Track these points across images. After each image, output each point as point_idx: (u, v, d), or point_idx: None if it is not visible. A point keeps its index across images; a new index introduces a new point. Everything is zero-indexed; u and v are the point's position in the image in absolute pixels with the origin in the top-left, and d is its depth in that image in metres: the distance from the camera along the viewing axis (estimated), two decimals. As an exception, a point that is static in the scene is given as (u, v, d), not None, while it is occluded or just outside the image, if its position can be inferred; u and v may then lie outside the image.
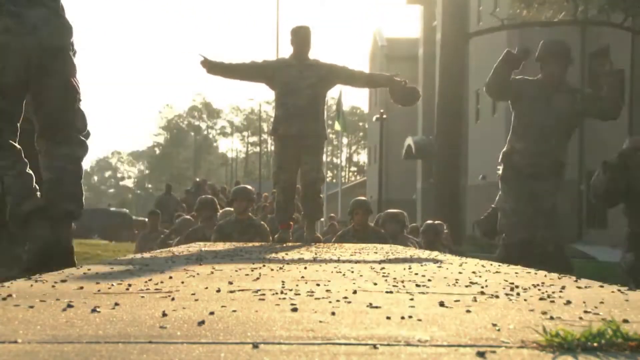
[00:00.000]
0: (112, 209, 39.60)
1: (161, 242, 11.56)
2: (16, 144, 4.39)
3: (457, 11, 22.58)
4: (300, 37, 7.56)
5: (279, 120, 7.49)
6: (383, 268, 3.87)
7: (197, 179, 24.76)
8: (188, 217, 12.28)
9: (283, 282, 3.02)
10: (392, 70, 8.56)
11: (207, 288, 2.75)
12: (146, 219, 15.81)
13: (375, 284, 3.05)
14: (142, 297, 2.47)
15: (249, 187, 9.46)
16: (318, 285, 2.92)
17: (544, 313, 2.14)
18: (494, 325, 1.88)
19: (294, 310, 2.14)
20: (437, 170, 22.82)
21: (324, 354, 1.52)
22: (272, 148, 7.74)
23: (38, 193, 4.42)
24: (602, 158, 8.07)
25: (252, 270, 3.59)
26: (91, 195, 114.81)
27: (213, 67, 7.41)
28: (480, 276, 3.44)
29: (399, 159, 42.41)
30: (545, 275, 3.62)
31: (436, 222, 10.64)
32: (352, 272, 3.61)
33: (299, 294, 2.57)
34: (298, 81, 7.40)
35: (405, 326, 1.89)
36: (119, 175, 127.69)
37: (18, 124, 4.42)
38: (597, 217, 26.61)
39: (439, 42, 28.61)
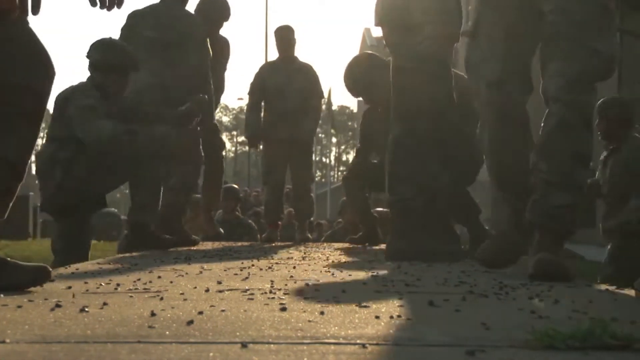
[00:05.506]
0: (101, 208, 39.39)
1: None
2: None
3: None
4: (283, 38, 7.56)
5: (268, 124, 7.46)
6: (372, 267, 3.87)
7: None
8: None
9: (272, 281, 3.01)
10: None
11: (195, 287, 2.74)
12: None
13: (365, 283, 3.05)
14: (131, 296, 2.46)
15: (235, 185, 9.43)
16: (307, 284, 2.92)
17: (533, 312, 2.14)
18: (483, 324, 1.88)
19: (283, 309, 2.14)
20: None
21: (313, 353, 1.52)
22: (261, 147, 7.69)
23: None
24: (596, 157, 7.80)
25: (241, 270, 3.58)
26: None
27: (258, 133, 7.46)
28: (469, 275, 3.44)
29: (388, 158, 42.34)
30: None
31: None
32: (341, 271, 3.61)
33: (288, 294, 2.57)
34: (286, 86, 7.37)
35: (395, 325, 1.90)
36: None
37: None
38: (585, 216, 26.69)
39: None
